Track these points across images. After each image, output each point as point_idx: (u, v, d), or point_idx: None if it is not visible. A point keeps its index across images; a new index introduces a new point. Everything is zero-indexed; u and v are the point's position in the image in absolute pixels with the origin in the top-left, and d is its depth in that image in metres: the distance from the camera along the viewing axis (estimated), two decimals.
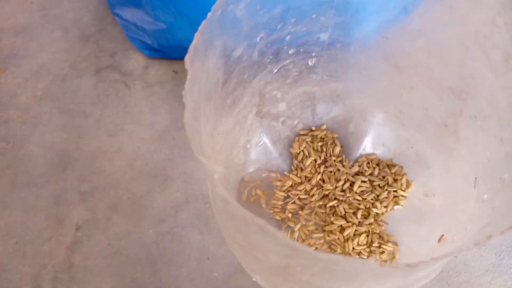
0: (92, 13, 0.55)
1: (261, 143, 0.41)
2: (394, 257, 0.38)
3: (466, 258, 0.41)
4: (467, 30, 0.27)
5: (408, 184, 0.40)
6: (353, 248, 0.38)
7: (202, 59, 0.22)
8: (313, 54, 0.35)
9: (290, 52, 0.34)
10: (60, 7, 0.55)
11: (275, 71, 0.35)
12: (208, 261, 0.41)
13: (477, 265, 0.41)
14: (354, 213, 0.39)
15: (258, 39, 0.30)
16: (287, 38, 0.32)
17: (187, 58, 0.21)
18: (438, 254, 0.19)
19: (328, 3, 0.31)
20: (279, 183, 0.41)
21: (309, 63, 0.36)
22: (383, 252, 0.38)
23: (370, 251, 0.38)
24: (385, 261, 0.38)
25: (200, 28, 0.22)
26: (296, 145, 0.42)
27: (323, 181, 0.41)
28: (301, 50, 0.34)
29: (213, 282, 0.40)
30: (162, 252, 0.41)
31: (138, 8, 0.46)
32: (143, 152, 0.46)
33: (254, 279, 0.39)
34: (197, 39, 0.21)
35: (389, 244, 0.38)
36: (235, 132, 0.37)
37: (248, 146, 0.40)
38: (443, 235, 0.33)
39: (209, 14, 0.23)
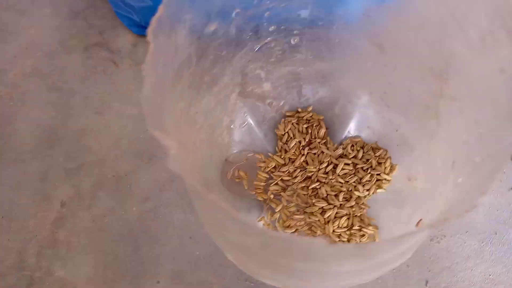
0: None
1: (245, 123, 0.41)
2: (374, 240, 0.38)
3: (449, 245, 0.41)
4: (446, 7, 0.26)
5: (392, 168, 0.40)
6: (333, 231, 0.38)
7: (168, 33, 0.22)
8: (294, 32, 0.34)
9: (270, 29, 0.33)
10: None
11: (256, 48, 0.34)
12: (190, 240, 0.41)
13: (459, 251, 0.40)
14: (336, 196, 0.39)
15: (233, 14, 0.29)
16: (266, 15, 0.32)
17: (149, 30, 0.20)
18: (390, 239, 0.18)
19: None
20: (262, 164, 0.41)
21: (292, 41, 0.35)
22: (363, 235, 0.38)
23: (351, 234, 0.38)
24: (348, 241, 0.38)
25: (165, 0, 0.21)
26: (281, 127, 0.42)
27: (307, 163, 0.41)
28: (282, 27, 0.33)
29: (194, 261, 0.40)
30: (145, 230, 0.42)
31: None
32: (130, 131, 0.46)
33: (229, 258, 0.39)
34: (161, 11, 0.20)
35: (370, 227, 0.38)
36: (217, 112, 0.36)
37: (232, 126, 0.39)
38: (421, 219, 0.33)
39: None
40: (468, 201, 0.20)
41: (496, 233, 0.41)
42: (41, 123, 0.46)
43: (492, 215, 0.42)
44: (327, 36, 0.35)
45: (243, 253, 0.26)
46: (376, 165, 0.40)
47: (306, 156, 0.41)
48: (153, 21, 0.20)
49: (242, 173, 0.40)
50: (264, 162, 0.41)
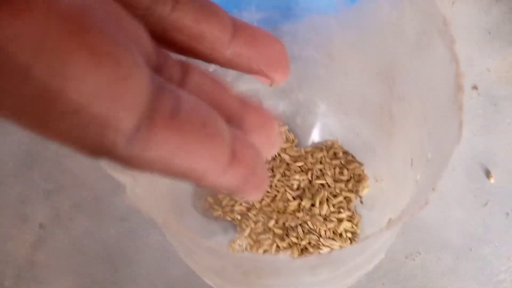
0: None
1: None
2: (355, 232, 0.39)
3: (424, 262, 0.41)
4: (382, 14, 0.27)
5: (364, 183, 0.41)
6: (324, 215, 0.39)
7: None
8: None
9: None
10: None
11: (211, 70, 0.34)
12: (167, 262, 0.41)
13: (434, 268, 0.41)
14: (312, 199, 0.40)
15: None
16: None
17: None
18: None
19: None
20: None
21: None
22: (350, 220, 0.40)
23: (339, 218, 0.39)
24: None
25: None
26: None
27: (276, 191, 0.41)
28: None
29: (172, 283, 0.41)
30: (122, 251, 0.42)
31: None
32: None
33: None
34: None
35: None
36: None
37: None
38: (390, 219, 0.34)
39: None
40: (422, 198, 0.20)
41: (471, 249, 0.42)
42: (21, 144, 0.47)
43: (466, 232, 0.42)
44: None
45: (218, 276, 0.26)
46: (351, 187, 0.41)
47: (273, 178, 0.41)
48: None
49: (210, 199, 0.41)
50: None
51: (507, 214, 0.43)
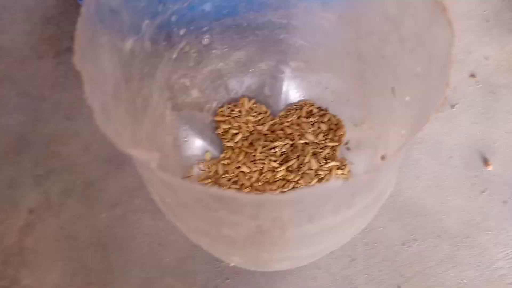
0: None
1: (188, 137, 0.41)
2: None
3: (420, 249, 0.40)
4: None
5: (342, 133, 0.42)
6: (314, 170, 0.40)
7: (92, 59, 0.21)
8: (204, 29, 0.34)
9: (181, 33, 0.33)
10: None
11: (174, 57, 0.34)
12: (159, 247, 0.40)
13: (432, 255, 0.40)
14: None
15: (143, 26, 0.28)
16: (173, 19, 0.31)
17: (75, 59, 0.19)
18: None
19: None
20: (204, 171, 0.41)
21: (204, 40, 0.35)
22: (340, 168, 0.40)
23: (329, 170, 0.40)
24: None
25: (77, 26, 0.20)
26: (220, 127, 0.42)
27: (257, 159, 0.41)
28: (191, 28, 0.33)
29: (163, 267, 0.40)
30: (113, 236, 0.41)
31: None
32: (99, 136, 0.45)
33: (232, 264, 0.38)
34: (78, 38, 0.19)
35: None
36: (157, 133, 0.36)
37: (177, 144, 0.39)
38: (382, 155, 0.33)
39: (82, 10, 0.21)
40: (423, 114, 0.20)
41: (468, 237, 0.41)
42: (10, 128, 0.46)
43: (464, 219, 0.41)
44: (234, 23, 0.35)
45: (253, 244, 0.25)
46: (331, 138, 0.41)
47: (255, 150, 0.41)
48: (75, 50, 0.19)
49: None
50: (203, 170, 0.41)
51: (505, 202, 0.42)
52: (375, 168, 0.19)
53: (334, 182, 0.18)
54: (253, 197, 0.19)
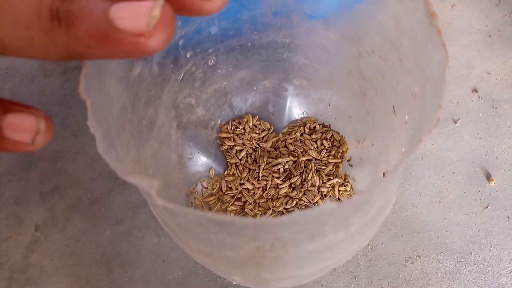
0: None
1: (192, 154, 0.41)
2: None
3: (423, 265, 0.40)
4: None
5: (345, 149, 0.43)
6: (317, 186, 0.40)
7: (99, 87, 0.21)
8: (210, 51, 0.35)
9: (188, 55, 0.34)
10: None
11: (180, 78, 0.34)
12: (163, 264, 0.41)
13: (434, 272, 0.40)
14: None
15: None
16: (181, 43, 0.32)
17: (81, 88, 0.19)
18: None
19: None
20: (208, 189, 0.42)
21: (209, 62, 0.36)
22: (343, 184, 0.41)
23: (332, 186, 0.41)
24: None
25: None
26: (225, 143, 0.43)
27: (261, 176, 0.41)
28: (198, 50, 0.34)
29: (167, 285, 0.40)
30: (117, 253, 0.41)
31: None
32: None
33: (234, 282, 0.39)
34: (86, 67, 0.20)
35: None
36: (163, 152, 0.36)
37: (181, 161, 0.40)
38: (384, 172, 0.33)
39: None
40: (417, 135, 0.20)
41: (471, 253, 0.41)
42: None
43: (467, 235, 0.41)
44: (239, 43, 0.36)
45: (254, 264, 0.25)
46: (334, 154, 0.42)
47: (259, 166, 0.41)
48: (82, 79, 0.19)
49: (198, 202, 0.41)
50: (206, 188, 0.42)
51: (508, 217, 0.42)
52: (369, 189, 0.20)
53: (329, 204, 0.18)
54: (251, 220, 0.19)
